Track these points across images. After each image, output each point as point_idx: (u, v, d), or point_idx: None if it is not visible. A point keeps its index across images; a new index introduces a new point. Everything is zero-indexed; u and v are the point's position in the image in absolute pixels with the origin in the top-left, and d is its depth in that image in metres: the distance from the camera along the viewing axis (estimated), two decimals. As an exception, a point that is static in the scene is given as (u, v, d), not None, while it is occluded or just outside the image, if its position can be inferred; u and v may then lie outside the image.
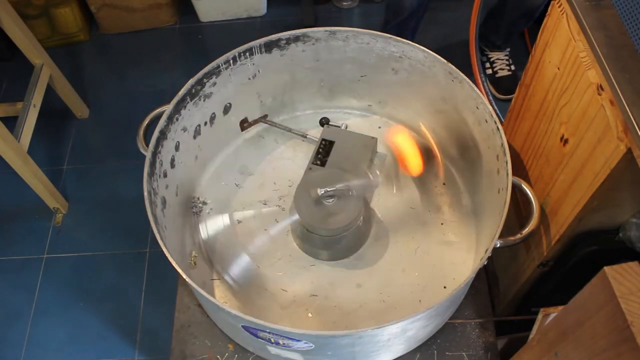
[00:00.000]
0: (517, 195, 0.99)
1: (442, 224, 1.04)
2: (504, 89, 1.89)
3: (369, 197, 1.06)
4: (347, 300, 0.96)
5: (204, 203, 1.08)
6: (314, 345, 0.81)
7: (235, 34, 2.14)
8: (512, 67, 1.91)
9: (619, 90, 0.66)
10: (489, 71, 1.93)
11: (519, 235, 0.85)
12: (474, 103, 0.95)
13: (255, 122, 1.15)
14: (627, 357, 0.50)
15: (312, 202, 0.92)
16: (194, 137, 1.03)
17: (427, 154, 1.12)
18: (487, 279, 1.02)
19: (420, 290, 0.97)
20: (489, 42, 1.90)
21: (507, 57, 1.91)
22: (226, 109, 1.08)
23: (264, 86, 1.10)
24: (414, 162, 1.06)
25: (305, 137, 1.14)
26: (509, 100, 1.85)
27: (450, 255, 1.00)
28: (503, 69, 1.90)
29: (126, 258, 1.63)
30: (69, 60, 2.10)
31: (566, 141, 0.82)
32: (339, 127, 1.12)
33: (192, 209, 1.07)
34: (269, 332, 0.80)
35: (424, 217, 1.05)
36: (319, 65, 1.09)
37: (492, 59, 1.91)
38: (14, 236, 1.69)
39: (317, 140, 1.07)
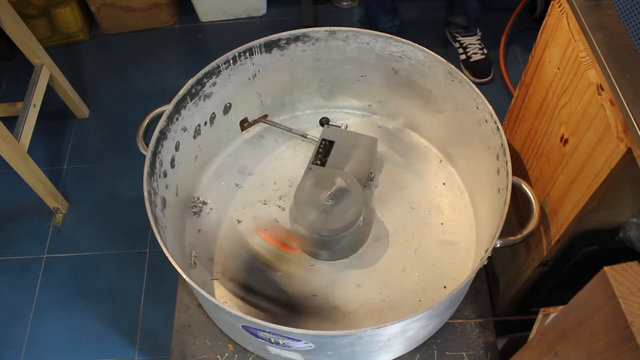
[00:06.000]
0: (517, 195, 0.99)
1: (442, 224, 1.04)
2: (479, 73, 1.91)
3: (368, 197, 1.06)
4: (347, 300, 0.96)
5: (204, 203, 1.08)
6: (314, 345, 0.81)
7: (235, 34, 2.14)
8: (485, 51, 1.93)
9: (619, 90, 0.66)
10: (463, 56, 1.94)
11: (519, 235, 0.85)
12: (473, 103, 0.95)
13: (255, 122, 1.15)
14: (627, 357, 0.50)
15: (312, 202, 0.92)
16: (194, 137, 1.03)
17: (427, 153, 1.12)
18: (487, 279, 1.02)
19: (420, 290, 0.97)
20: (458, 27, 1.92)
21: (479, 42, 1.93)
22: (226, 109, 1.08)
23: (264, 86, 1.10)
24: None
25: (305, 137, 1.14)
26: (486, 83, 1.90)
27: (450, 255, 1.00)
28: (476, 53, 1.91)
29: (126, 258, 1.63)
30: (69, 60, 2.10)
31: (566, 141, 0.82)
32: (339, 127, 1.12)
33: (192, 209, 1.07)
34: (269, 332, 0.80)
35: (424, 217, 1.05)
36: (319, 65, 1.09)
37: (464, 44, 1.93)
38: (14, 236, 1.69)
39: (317, 140, 1.07)
